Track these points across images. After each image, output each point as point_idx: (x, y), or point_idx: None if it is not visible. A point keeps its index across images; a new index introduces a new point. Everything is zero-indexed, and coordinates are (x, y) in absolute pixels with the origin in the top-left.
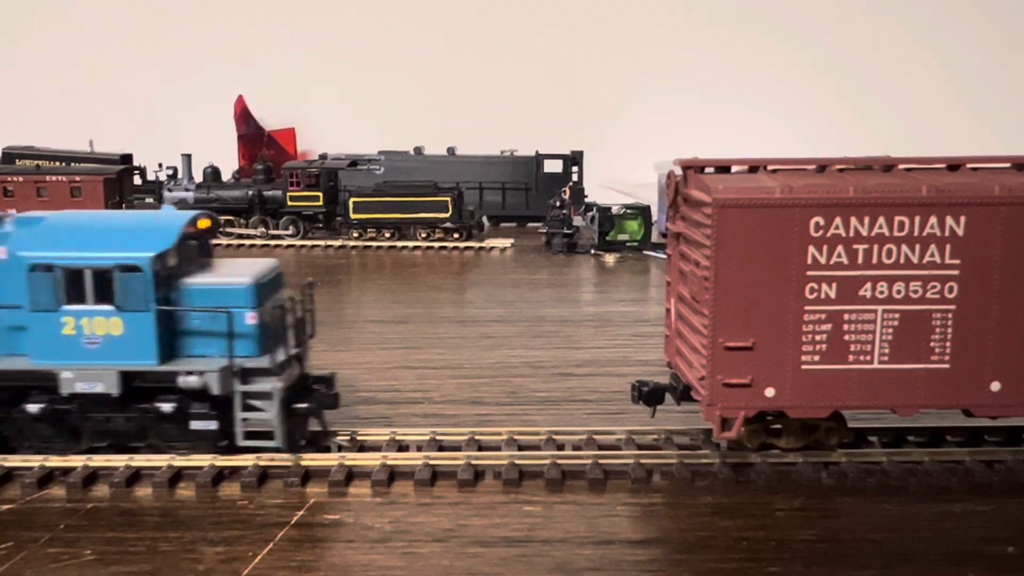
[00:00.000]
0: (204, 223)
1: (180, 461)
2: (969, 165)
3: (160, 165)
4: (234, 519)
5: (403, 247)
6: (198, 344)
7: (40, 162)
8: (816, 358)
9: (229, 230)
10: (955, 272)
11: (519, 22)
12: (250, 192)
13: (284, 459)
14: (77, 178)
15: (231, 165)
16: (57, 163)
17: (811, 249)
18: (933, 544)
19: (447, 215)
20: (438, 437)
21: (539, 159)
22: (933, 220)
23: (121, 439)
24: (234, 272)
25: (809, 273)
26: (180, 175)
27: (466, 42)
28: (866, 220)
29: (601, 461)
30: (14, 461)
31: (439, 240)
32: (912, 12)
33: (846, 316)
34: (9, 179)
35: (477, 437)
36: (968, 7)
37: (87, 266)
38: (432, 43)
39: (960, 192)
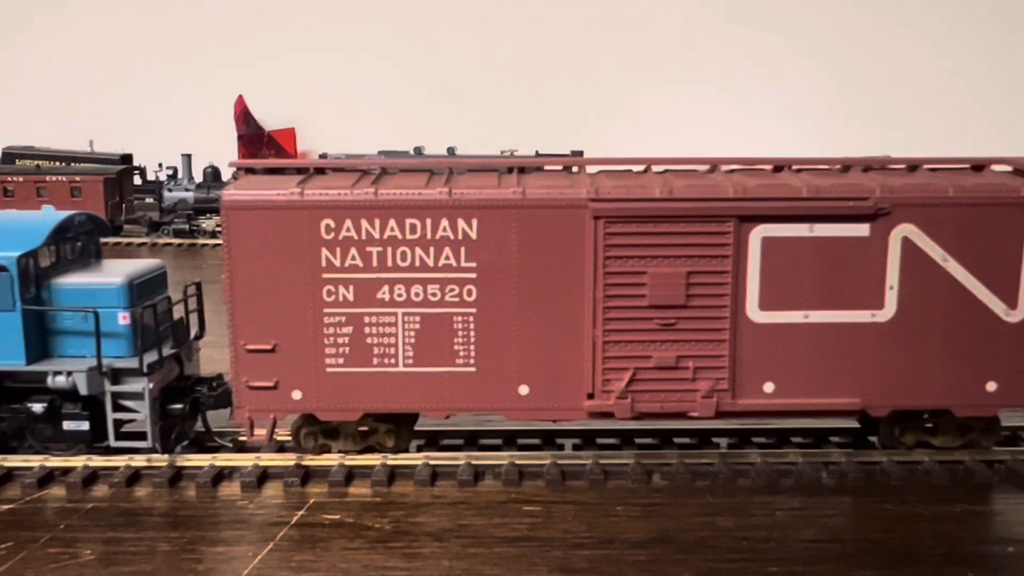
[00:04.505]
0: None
1: (181, 461)
2: (549, 167)
3: (160, 165)
4: (234, 519)
5: None
6: (72, 344)
7: (40, 162)
8: (340, 361)
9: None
10: (472, 275)
11: (519, 22)
12: None
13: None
14: (77, 178)
15: None
16: (57, 163)
17: (324, 251)
18: (933, 544)
19: None
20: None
21: None
22: (445, 223)
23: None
24: (108, 272)
25: (325, 276)
26: (180, 175)
27: (466, 42)
28: (377, 223)
29: (601, 461)
30: (14, 461)
31: None
32: (918, 10)
33: (367, 319)
34: (9, 179)
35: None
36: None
37: None
38: (432, 43)
39: (470, 195)
